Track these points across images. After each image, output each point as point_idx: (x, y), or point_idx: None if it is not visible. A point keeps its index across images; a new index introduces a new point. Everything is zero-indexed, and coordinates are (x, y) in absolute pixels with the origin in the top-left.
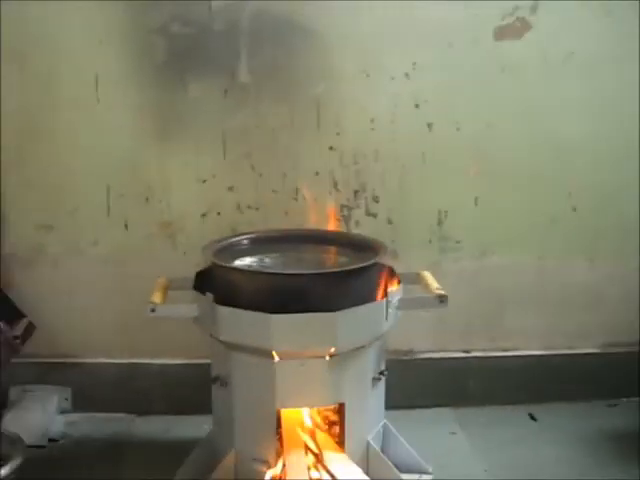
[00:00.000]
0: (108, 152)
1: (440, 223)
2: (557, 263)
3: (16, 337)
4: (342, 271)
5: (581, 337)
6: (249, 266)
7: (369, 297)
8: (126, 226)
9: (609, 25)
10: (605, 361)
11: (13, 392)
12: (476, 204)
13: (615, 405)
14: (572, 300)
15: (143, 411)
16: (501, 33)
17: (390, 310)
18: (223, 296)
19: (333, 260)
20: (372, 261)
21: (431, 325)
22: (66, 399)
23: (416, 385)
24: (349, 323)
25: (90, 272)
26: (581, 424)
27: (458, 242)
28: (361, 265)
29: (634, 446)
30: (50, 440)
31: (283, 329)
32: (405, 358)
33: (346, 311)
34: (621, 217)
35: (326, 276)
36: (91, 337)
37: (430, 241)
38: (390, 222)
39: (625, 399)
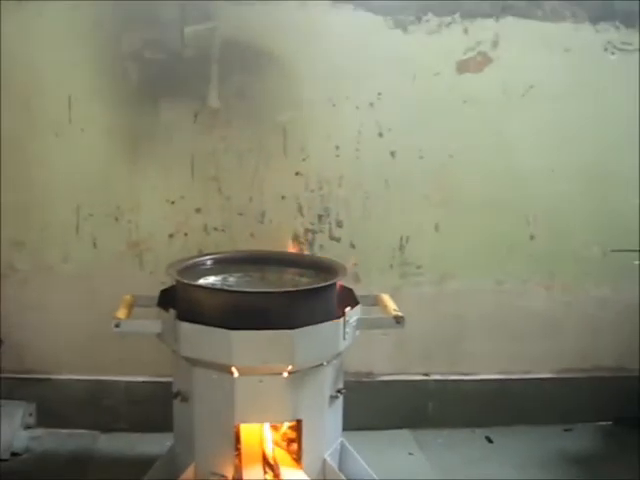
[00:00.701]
0: (79, 172)
1: (401, 248)
2: (515, 289)
3: None
4: (301, 290)
5: (538, 362)
6: (211, 284)
7: (327, 316)
8: (95, 244)
9: (567, 60)
10: (561, 386)
11: None
12: (437, 230)
13: (570, 429)
14: (529, 326)
15: (108, 428)
16: (463, 66)
17: (348, 329)
18: (186, 313)
19: (295, 280)
20: (331, 281)
21: (391, 348)
22: (30, 414)
23: (376, 407)
24: (307, 341)
25: (58, 289)
26: (537, 447)
27: (419, 267)
28: (320, 285)
29: (589, 469)
30: (13, 454)
31: (243, 345)
32: (365, 380)
33: (304, 329)
34: (578, 246)
35: (285, 295)
36: (58, 353)
37: (391, 266)
38: (353, 246)
39: (580, 423)
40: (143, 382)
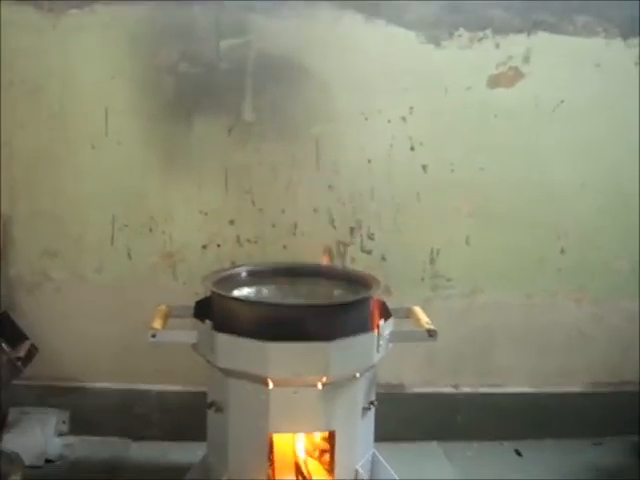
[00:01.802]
0: (115, 183)
1: (432, 261)
2: (545, 302)
3: (18, 359)
4: (337, 304)
5: (567, 376)
6: (247, 296)
7: (361, 329)
8: (129, 255)
9: (598, 75)
10: (590, 400)
11: (12, 413)
12: (467, 243)
13: (600, 443)
14: (559, 339)
15: (140, 436)
16: (495, 81)
17: (381, 342)
18: (221, 324)
19: (327, 292)
20: (365, 295)
21: (421, 360)
22: (64, 422)
23: (406, 418)
24: (341, 353)
25: (92, 298)
26: (566, 461)
27: (449, 280)
28: (354, 298)
29: None
30: (47, 461)
31: (278, 357)
32: (395, 392)
33: (339, 341)
34: (607, 259)
35: (321, 308)
36: (91, 362)
37: (422, 279)
38: (384, 259)
39: (609, 437)
40: (175, 391)
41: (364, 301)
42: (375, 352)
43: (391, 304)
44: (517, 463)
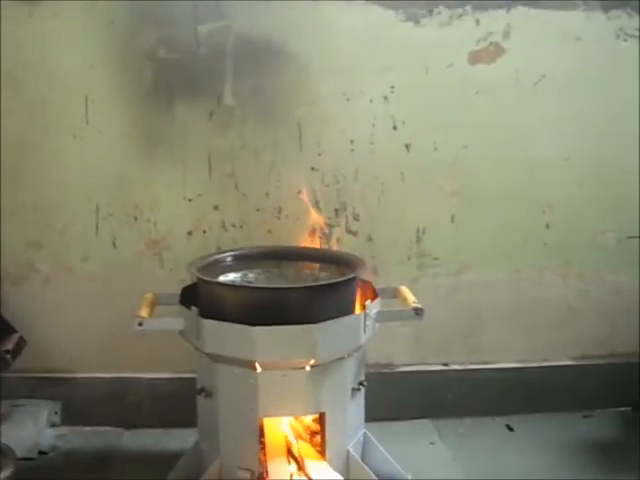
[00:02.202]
0: (97, 172)
1: (418, 240)
2: (531, 278)
3: (7, 352)
4: (322, 285)
5: (556, 350)
6: (232, 281)
7: (348, 310)
8: (114, 244)
9: (579, 48)
10: (579, 373)
11: (4, 406)
12: (453, 221)
13: (590, 416)
14: (547, 314)
15: (131, 424)
16: (475, 57)
17: (368, 322)
18: (208, 310)
19: (314, 275)
20: (351, 275)
21: (410, 339)
22: (56, 413)
23: (396, 397)
24: (329, 335)
25: (79, 288)
26: (557, 434)
27: (436, 259)
28: (340, 279)
29: (609, 455)
30: (40, 453)
31: (265, 341)
32: (385, 371)
33: (326, 323)
34: (594, 233)
35: (306, 290)
36: (80, 352)
37: (409, 258)
38: (370, 239)
39: (599, 410)
40: (165, 378)
41: (350, 282)
42: (362, 333)
43: (378, 284)
44: (509, 438)
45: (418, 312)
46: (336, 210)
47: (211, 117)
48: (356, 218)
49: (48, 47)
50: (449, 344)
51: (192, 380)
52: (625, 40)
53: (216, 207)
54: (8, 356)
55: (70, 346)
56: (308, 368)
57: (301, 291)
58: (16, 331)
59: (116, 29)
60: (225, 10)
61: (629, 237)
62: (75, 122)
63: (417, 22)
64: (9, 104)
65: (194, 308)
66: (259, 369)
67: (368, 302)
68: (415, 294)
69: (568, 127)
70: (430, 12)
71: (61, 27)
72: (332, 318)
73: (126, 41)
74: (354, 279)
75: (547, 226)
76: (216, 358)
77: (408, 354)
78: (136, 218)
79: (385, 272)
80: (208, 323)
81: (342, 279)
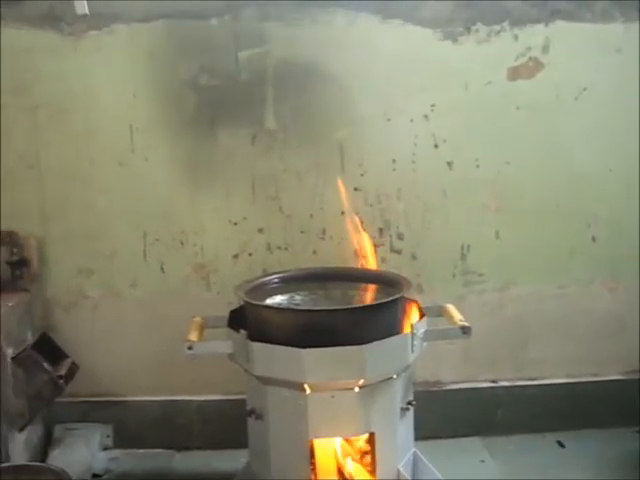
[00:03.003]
0: (144, 199)
1: (463, 257)
2: (578, 292)
3: (60, 377)
4: (369, 306)
5: (605, 364)
6: (280, 304)
7: (395, 330)
8: (162, 269)
9: (619, 60)
10: (630, 387)
11: (57, 430)
12: (497, 237)
13: None
14: (595, 328)
15: (183, 447)
16: (515, 73)
17: (415, 342)
18: (256, 332)
19: (360, 296)
20: (397, 296)
21: (458, 356)
22: (108, 436)
23: (445, 415)
24: (377, 355)
25: (129, 314)
26: (609, 450)
27: (481, 275)
28: (387, 300)
29: None
30: (94, 476)
31: (314, 363)
32: (434, 389)
33: (374, 344)
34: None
35: (353, 311)
36: (131, 376)
37: (454, 275)
38: (414, 258)
39: None
40: (215, 400)
41: (396, 302)
42: (410, 352)
43: (424, 302)
44: (560, 455)
45: (465, 330)
46: (380, 229)
47: (253, 141)
48: (400, 237)
49: (92, 79)
50: (497, 361)
51: (241, 402)
52: None
53: (261, 230)
54: (61, 381)
55: (120, 370)
56: (357, 389)
57: (348, 312)
58: (68, 356)
59: (158, 59)
60: (264, 36)
61: None
62: (121, 151)
63: (455, 40)
64: (56, 136)
65: (242, 331)
66: (308, 391)
67: (415, 321)
68: (461, 311)
69: (610, 139)
70: (468, 30)
71: (104, 59)
72: (380, 338)
73: (168, 70)
74: (400, 299)
75: (593, 239)
76: (266, 380)
77: (456, 371)
78: (182, 243)
79: (430, 290)
80: (257, 346)
81: (388, 299)
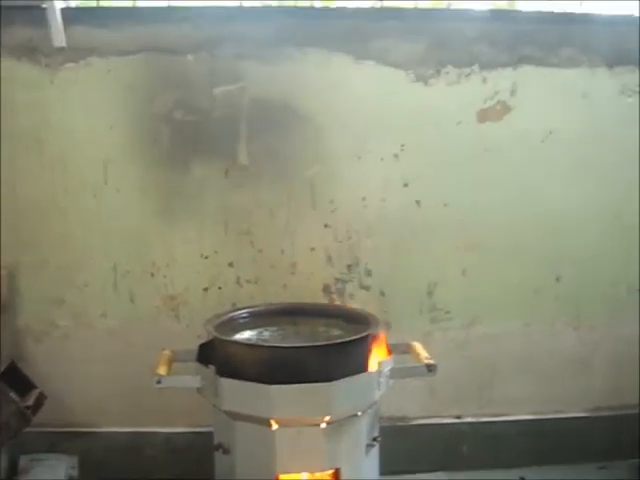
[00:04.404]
0: (116, 230)
1: (430, 294)
2: (543, 330)
3: (27, 407)
4: (336, 344)
5: (569, 401)
6: (249, 339)
7: (362, 367)
8: (132, 300)
9: (585, 104)
10: (593, 424)
11: (23, 460)
12: (464, 275)
13: (604, 467)
14: (559, 366)
15: (149, 478)
16: (483, 115)
17: (382, 379)
18: (224, 367)
19: (328, 332)
20: (364, 333)
21: (424, 392)
22: (73, 467)
23: (411, 451)
24: (343, 393)
25: (99, 344)
26: None
27: (447, 312)
28: (354, 337)
29: None
30: None
31: (281, 399)
32: (400, 424)
33: (341, 381)
34: (603, 285)
35: (321, 348)
36: (99, 406)
37: (421, 312)
38: (383, 294)
39: (613, 461)
40: (183, 432)
41: (363, 339)
42: (376, 390)
43: (391, 338)
44: None
45: (431, 368)
46: (349, 266)
47: (227, 176)
48: (369, 274)
49: (68, 111)
50: (463, 397)
51: (209, 434)
52: (629, 96)
53: (231, 264)
54: (28, 412)
55: (89, 400)
56: (323, 425)
57: (316, 350)
58: (36, 387)
59: (134, 93)
60: (239, 73)
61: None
62: (94, 182)
63: (426, 82)
64: (31, 166)
65: (211, 366)
66: (275, 426)
67: (381, 359)
68: (428, 347)
69: (576, 181)
70: (438, 72)
71: (81, 92)
72: (347, 375)
73: (144, 104)
74: (367, 337)
75: (557, 279)
76: (233, 415)
77: (422, 407)
78: (153, 275)
79: (398, 326)
80: (225, 381)
81: (356, 337)
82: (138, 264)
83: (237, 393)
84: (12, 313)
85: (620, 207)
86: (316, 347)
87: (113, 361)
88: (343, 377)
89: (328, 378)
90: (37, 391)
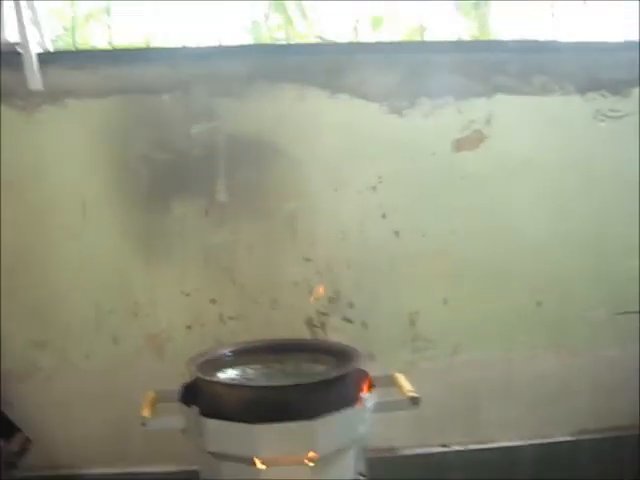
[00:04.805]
0: (96, 271)
1: (412, 324)
2: (525, 356)
3: (13, 453)
4: (319, 381)
5: (553, 426)
6: (232, 379)
7: (346, 402)
8: (115, 340)
9: (559, 131)
10: (578, 448)
11: None
12: (445, 304)
13: None
14: (542, 390)
15: None
16: (459, 145)
17: (366, 414)
18: (208, 408)
19: (312, 368)
20: (347, 369)
21: (410, 422)
22: None
23: None
24: (328, 430)
25: (82, 385)
26: None
27: (430, 341)
28: (337, 374)
29: None
30: None
31: (265, 438)
32: (387, 455)
33: (325, 419)
34: (583, 310)
35: (304, 387)
36: (85, 448)
37: (404, 342)
38: (365, 326)
39: None
40: (169, 472)
41: (346, 376)
42: (361, 424)
43: (375, 369)
44: None
45: (415, 401)
46: (330, 298)
47: (206, 214)
48: (350, 306)
49: (45, 153)
50: (448, 425)
51: (196, 472)
52: (602, 120)
53: (213, 301)
54: (14, 457)
55: (74, 442)
56: (309, 462)
57: (299, 388)
58: (20, 430)
59: (111, 134)
60: (215, 111)
61: (619, 313)
62: (73, 224)
63: (400, 114)
64: (7, 209)
65: (194, 407)
66: (261, 466)
67: (365, 394)
68: (411, 377)
69: (553, 207)
70: (412, 104)
71: (57, 134)
72: (331, 412)
73: (120, 144)
74: (351, 372)
75: (538, 304)
76: (219, 456)
77: (408, 437)
78: (136, 314)
79: (381, 357)
80: (209, 422)
81: (339, 374)
82: (120, 304)
83: (221, 433)
84: None
85: (596, 231)
86: (299, 385)
87: (98, 402)
88: (327, 413)
89: (312, 415)
90: (22, 435)
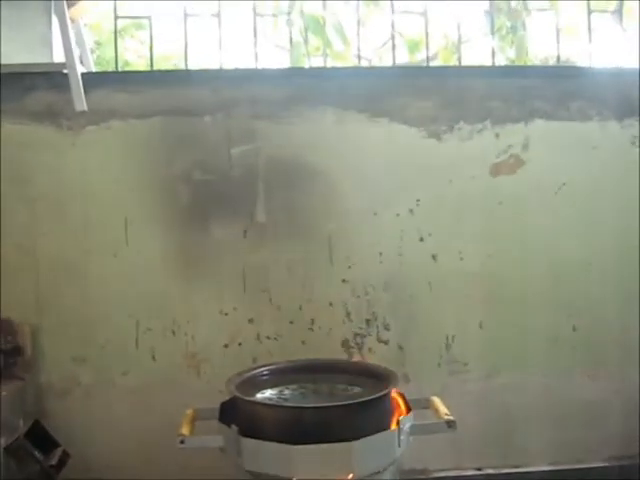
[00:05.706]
0: (137, 289)
1: (448, 347)
2: (561, 380)
3: (51, 466)
4: (357, 403)
5: (588, 451)
6: (270, 399)
7: (383, 425)
8: (153, 357)
9: (596, 156)
10: (612, 474)
11: None
12: (481, 327)
13: None
14: (577, 415)
15: None
16: (497, 169)
17: (402, 437)
18: (247, 427)
19: (348, 390)
20: (384, 392)
21: (444, 444)
22: None
23: None
24: (365, 452)
25: (120, 401)
26: None
27: (465, 364)
28: (374, 396)
29: None
30: None
31: (303, 459)
32: (421, 477)
33: (362, 441)
34: (619, 333)
35: (342, 408)
36: (122, 464)
37: (439, 365)
38: (401, 348)
39: None
40: None
41: (383, 398)
42: (397, 447)
43: (410, 392)
44: None
45: (450, 424)
46: (367, 320)
47: (245, 235)
48: (387, 328)
49: (89, 172)
50: (483, 448)
51: None
52: (638, 146)
53: (251, 320)
54: (52, 471)
55: (112, 458)
56: None
57: (337, 409)
58: (60, 445)
59: (153, 154)
60: (255, 133)
61: None
62: (115, 242)
63: (439, 138)
64: (53, 226)
65: (234, 427)
66: None
67: (402, 417)
68: (447, 400)
69: (588, 232)
70: (451, 128)
71: (101, 154)
72: (368, 433)
73: (162, 165)
74: (388, 395)
75: (574, 329)
76: (256, 475)
77: (443, 459)
78: (174, 332)
79: (416, 379)
80: (248, 442)
81: (376, 396)
82: (159, 322)
83: (259, 453)
84: (35, 371)
85: (631, 256)
86: (337, 407)
87: (135, 419)
88: (364, 436)
89: (349, 437)
90: (61, 450)
